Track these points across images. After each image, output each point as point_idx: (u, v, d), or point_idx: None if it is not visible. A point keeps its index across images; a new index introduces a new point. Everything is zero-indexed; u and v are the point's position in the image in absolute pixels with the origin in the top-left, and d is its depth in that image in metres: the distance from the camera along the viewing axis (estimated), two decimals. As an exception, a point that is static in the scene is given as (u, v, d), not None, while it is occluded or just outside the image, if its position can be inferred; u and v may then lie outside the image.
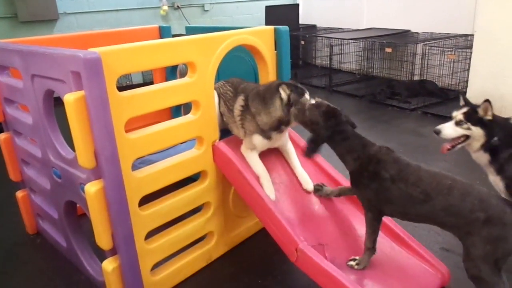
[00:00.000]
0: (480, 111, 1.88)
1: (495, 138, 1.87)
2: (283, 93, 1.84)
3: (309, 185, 2.01)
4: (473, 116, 1.90)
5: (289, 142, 2.09)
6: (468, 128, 1.91)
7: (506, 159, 1.87)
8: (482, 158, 1.94)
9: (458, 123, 1.94)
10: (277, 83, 1.90)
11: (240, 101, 1.99)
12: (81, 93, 1.47)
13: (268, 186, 1.89)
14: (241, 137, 2.02)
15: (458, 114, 1.94)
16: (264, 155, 2.02)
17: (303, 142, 2.16)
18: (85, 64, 1.42)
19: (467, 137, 1.93)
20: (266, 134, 1.91)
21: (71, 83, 1.51)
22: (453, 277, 1.86)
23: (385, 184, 1.63)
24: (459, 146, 1.97)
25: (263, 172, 1.93)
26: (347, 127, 1.72)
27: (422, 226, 2.31)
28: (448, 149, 1.99)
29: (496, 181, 1.93)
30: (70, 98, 1.45)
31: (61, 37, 2.60)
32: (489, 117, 1.88)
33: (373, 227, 1.73)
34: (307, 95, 1.85)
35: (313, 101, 1.77)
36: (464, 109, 1.93)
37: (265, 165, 1.96)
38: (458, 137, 1.95)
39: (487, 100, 1.86)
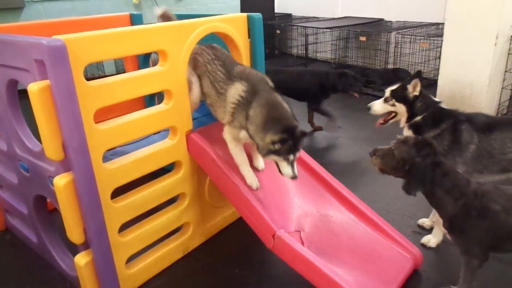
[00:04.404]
0: (410, 87, 1.98)
1: (418, 117, 1.98)
2: (273, 146, 1.63)
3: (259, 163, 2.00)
4: (399, 93, 2.03)
5: None
6: (393, 105, 2.05)
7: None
8: (407, 134, 2.02)
9: (385, 100, 2.08)
10: (284, 127, 1.64)
11: (239, 89, 1.76)
12: (46, 82, 1.41)
13: (249, 176, 1.87)
14: (224, 121, 1.87)
15: (387, 91, 2.08)
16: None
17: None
18: (49, 52, 1.36)
19: (396, 113, 2.07)
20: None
21: (35, 72, 1.45)
22: (425, 258, 1.92)
23: (500, 218, 1.43)
24: (390, 121, 2.13)
25: (243, 162, 1.88)
26: (444, 159, 1.53)
27: (395, 211, 2.36)
28: (381, 124, 2.16)
29: None
30: (35, 88, 1.39)
31: (27, 25, 2.49)
32: (416, 93, 1.97)
33: (475, 274, 1.53)
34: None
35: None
36: (394, 86, 2.06)
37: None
38: (389, 113, 2.10)
39: (417, 77, 1.96)
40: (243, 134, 1.80)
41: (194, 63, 1.94)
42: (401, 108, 2.03)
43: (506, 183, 1.82)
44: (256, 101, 1.73)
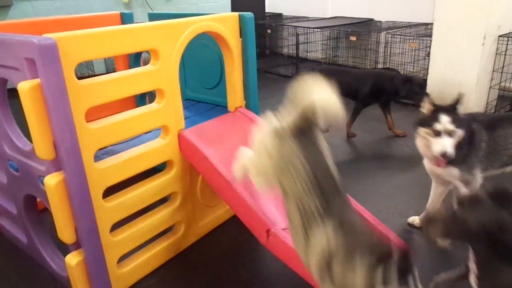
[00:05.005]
0: (460, 108, 1.80)
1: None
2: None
3: None
4: (457, 120, 1.79)
5: None
6: (457, 134, 1.80)
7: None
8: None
9: (451, 134, 1.79)
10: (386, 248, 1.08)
11: (330, 234, 1.14)
12: (36, 81, 1.39)
13: None
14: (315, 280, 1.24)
15: (447, 125, 1.78)
16: (229, 139, 1.99)
17: None
18: (40, 51, 1.35)
19: None
20: None
21: (25, 71, 1.43)
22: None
23: None
24: None
25: None
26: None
27: (386, 209, 2.39)
28: (445, 165, 1.85)
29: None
30: (25, 87, 1.38)
31: (15, 23, 2.46)
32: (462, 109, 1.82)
33: None
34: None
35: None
36: (446, 117, 1.78)
37: (230, 152, 1.93)
38: None
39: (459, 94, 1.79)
40: None
41: (282, 170, 1.27)
42: (461, 133, 1.80)
43: (502, 176, 1.92)
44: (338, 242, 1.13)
